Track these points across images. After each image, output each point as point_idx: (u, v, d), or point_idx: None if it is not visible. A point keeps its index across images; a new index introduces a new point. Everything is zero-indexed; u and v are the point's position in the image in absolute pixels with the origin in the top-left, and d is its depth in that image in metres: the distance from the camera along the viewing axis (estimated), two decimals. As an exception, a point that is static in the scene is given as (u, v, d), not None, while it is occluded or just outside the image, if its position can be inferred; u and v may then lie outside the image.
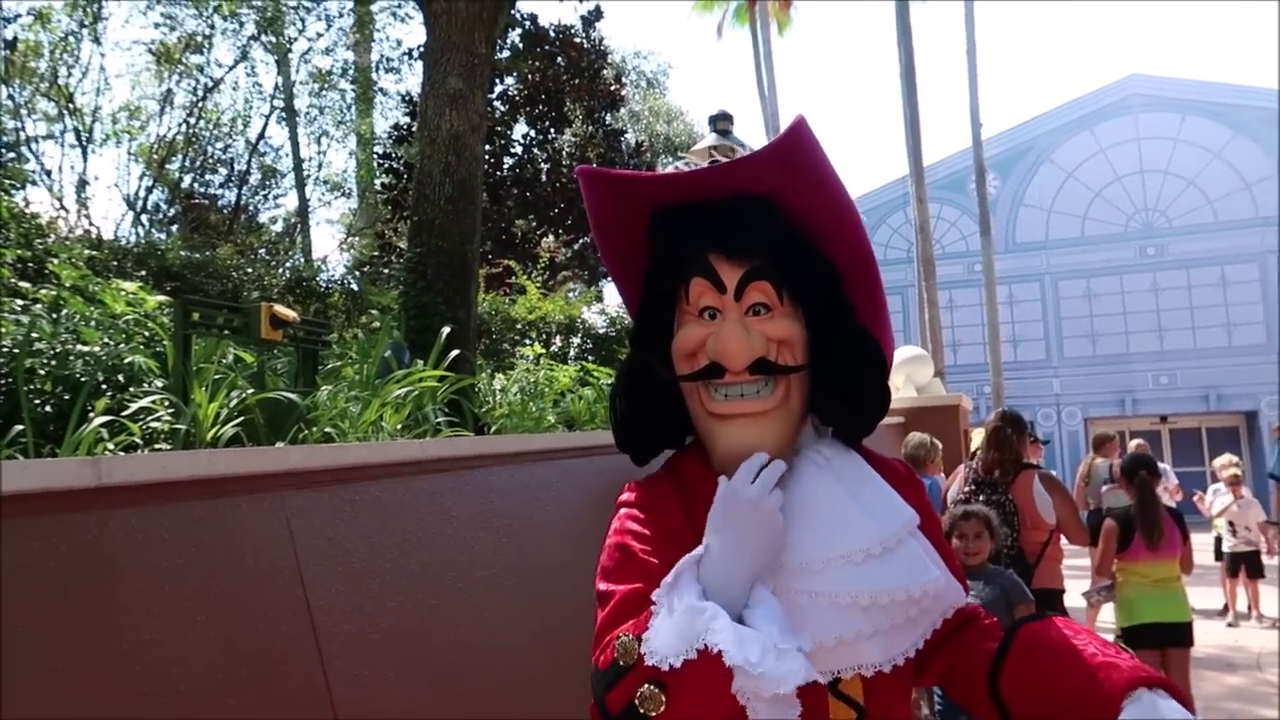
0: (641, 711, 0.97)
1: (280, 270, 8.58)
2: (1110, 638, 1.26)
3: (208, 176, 16.39)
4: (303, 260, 13.52)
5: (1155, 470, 4.71)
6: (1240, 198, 22.14)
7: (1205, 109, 22.53)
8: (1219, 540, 8.66)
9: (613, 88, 14.44)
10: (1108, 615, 5.05)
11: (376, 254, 12.96)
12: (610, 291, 22.20)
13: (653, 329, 1.27)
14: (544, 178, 14.07)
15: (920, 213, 15.92)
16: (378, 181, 14.69)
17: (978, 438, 5.02)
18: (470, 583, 2.40)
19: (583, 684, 2.84)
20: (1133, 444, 9.47)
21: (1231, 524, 8.43)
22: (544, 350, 7.06)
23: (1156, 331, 22.02)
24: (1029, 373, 22.58)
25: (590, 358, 7.66)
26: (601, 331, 8.61)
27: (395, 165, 13.69)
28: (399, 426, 3.13)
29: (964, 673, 1.23)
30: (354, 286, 7.93)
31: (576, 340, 8.36)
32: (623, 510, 1.26)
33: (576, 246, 14.59)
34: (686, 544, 1.12)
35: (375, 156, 15.08)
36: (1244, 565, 8.33)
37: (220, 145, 16.51)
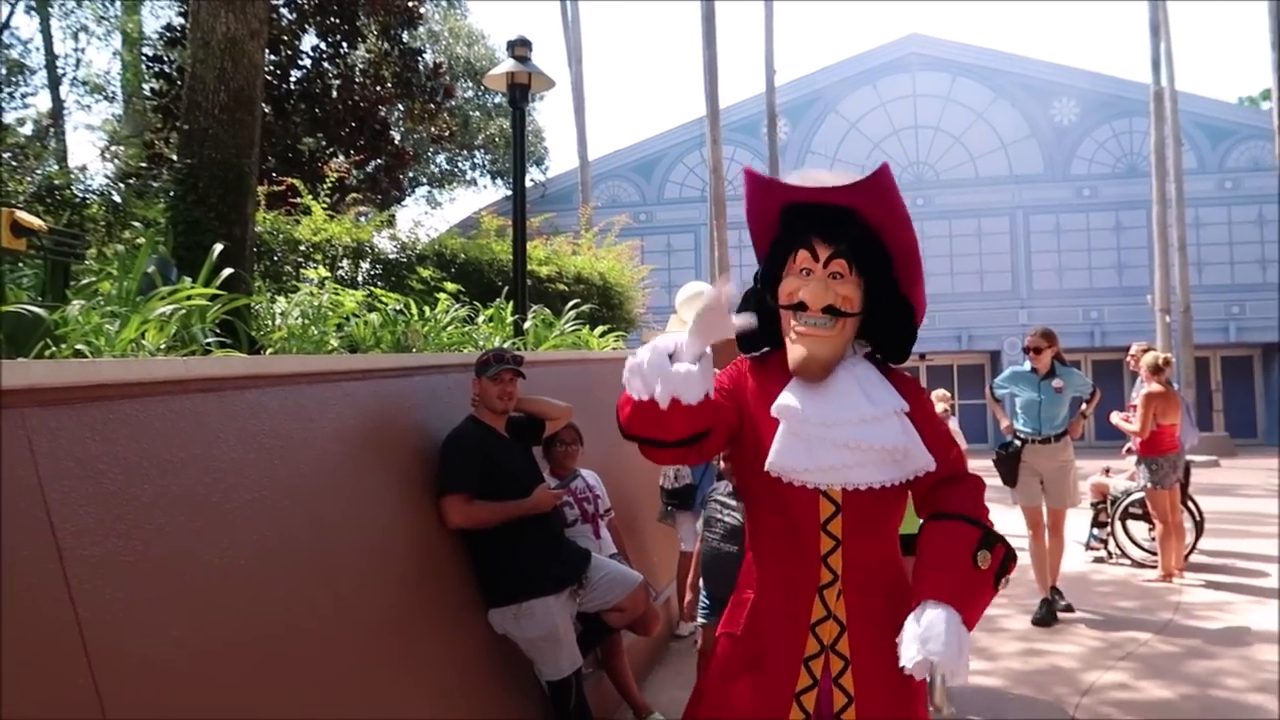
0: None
1: (28, 177, 7.73)
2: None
3: (-65, 65, 14.40)
4: (56, 167, 12.20)
5: None
6: (997, 156, 24.25)
7: (973, 71, 24.37)
8: None
9: (410, 4, 13.77)
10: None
11: (144, 165, 11.88)
12: (403, 216, 21.42)
13: (770, 276, 2.00)
14: (334, 94, 13.33)
15: (714, 154, 16.40)
16: (146, 87, 13.42)
17: None
18: (238, 505, 2.35)
19: (359, 599, 2.87)
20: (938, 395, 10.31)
21: None
22: (329, 274, 6.80)
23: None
24: (809, 312, 23.94)
25: (380, 283, 7.45)
26: (392, 257, 8.37)
27: (167, 70, 12.53)
28: (162, 346, 2.97)
29: (929, 506, 1.99)
30: (116, 198, 7.28)
31: (366, 265, 8.09)
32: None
33: (369, 169, 13.99)
34: (742, 398, 2.01)
35: (144, 59, 13.73)
36: None
37: (-49, 30, 14.50)
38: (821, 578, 1.92)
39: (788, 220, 1.97)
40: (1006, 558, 1.85)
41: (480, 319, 6.05)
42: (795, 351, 1.92)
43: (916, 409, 1.99)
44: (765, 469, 1.89)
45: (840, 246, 1.90)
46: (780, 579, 1.96)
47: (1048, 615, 5.91)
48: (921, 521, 1.98)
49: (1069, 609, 6.08)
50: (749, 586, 2.03)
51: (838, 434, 1.87)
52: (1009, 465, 6.33)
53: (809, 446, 1.88)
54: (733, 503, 3.77)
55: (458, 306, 5.81)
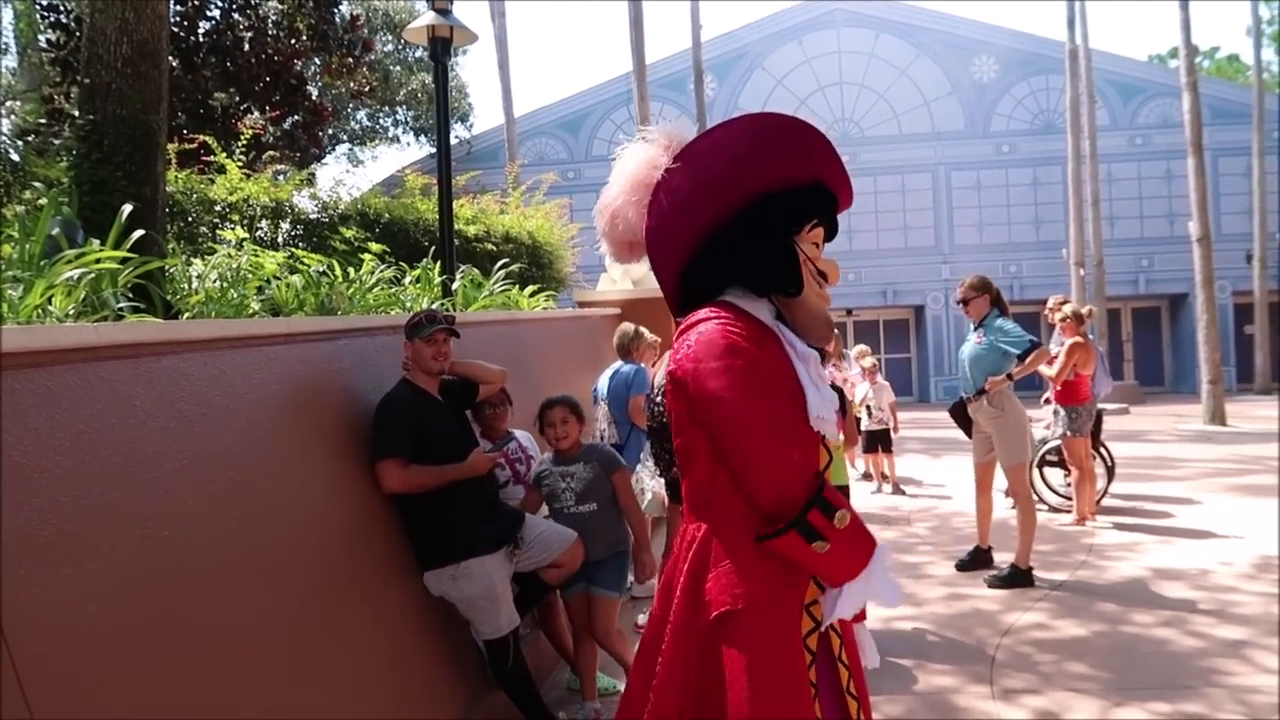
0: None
1: (-85, 134, 7.28)
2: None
3: None
4: (-54, 124, 11.51)
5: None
6: (920, 114, 24.57)
7: (897, 28, 24.57)
8: (858, 421, 9.63)
9: (324, -48, 13.25)
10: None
11: (43, 121, 11.28)
12: (323, 174, 20.78)
13: (778, 234, 1.86)
14: (246, 47, 12.79)
15: (642, 110, 16.26)
16: (42, 38, 12.68)
17: None
18: (158, 475, 2.27)
19: (288, 567, 2.81)
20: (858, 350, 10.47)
21: (868, 406, 9.57)
22: (248, 235, 6.58)
23: (847, 233, 24.20)
24: (738, 269, 24.06)
25: (301, 244, 7.23)
26: (313, 217, 8.12)
27: (64, 20, 11.85)
28: (71, 312, 2.83)
29: None
30: (14, 157, 6.91)
31: (285, 225, 7.84)
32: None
33: (286, 125, 13.53)
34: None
35: (38, 8, 12.96)
36: (879, 442, 9.58)
37: None
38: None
39: (808, 189, 1.86)
40: (825, 509, 1.67)
41: (407, 280, 5.93)
42: (824, 314, 1.89)
43: None
44: (810, 422, 1.78)
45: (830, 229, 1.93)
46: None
47: (972, 562, 6.05)
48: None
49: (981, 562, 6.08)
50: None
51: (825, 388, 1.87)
52: (961, 419, 5.99)
53: (823, 398, 1.82)
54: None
55: (383, 267, 5.69)
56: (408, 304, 5.43)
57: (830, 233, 1.92)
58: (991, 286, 5.85)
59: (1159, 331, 25.05)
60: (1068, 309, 7.61)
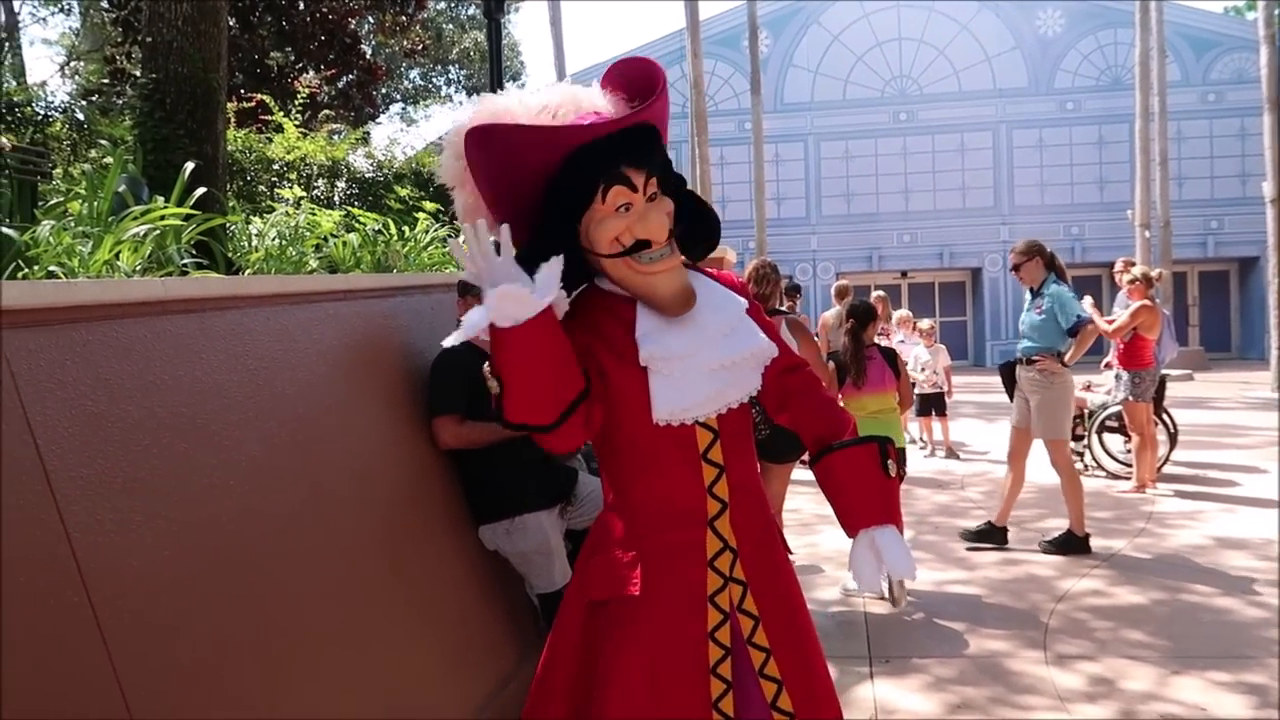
0: None
1: (-15, 94, 7.47)
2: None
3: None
4: (14, 84, 11.79)
5: (865, 320, 5.14)
6: (981, 70, 23.88)
7: (958, -20, 23.82)
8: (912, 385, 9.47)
9: (378, -91, 13.24)
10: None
11: (106, 81, 11.49)
12: (378, 133, 21.01)
13: (562, 231, 1.75)
14: (302, 6, 12.88)
15: (695, 68, 16.04)
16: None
17: None
18: (224, 426, 2.33)
19: (348, 518, 2.87)
20: (874, 295, 10.37)
21: (923, 369, 9.43)
22: (305, 194, 6.66)
23: (903, 193, 23.77)
24: (790, 229, 23.84)
25: (357, 203, 7.31)
26: (368, 176, 8.20)
27: (124, -21, 12.01)
28: (138, 267, 2.90)
29: (797, 425, 1.98)
30: (80, 116, 7.06)
31: (341, 184, 7.92)
32: None
33: (341, 84, 13.62)
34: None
35: (99, -32, 13.17)
36: (933, 406, 9.46)
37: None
38: (710, 509, 1.84)
39: (580, 164, 1.71)
40: (896, 453, 1.88)
41: (460, 239, 5.96)
42: (661, 290, 1.77)
43: (743, 298, 1.95)
44: (655, 422, 1.77)
45: (652, 168, 1.75)
46: (663, 523, 1.85)
47: (978, 535, 5.74)
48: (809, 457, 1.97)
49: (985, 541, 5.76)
50: (618, 546, 1.87)
51: (705, 358, 1.78)
52: (1008, 379, 5.76)
53: (683, 384, 1.77)
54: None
55: (437, 226, 5.72)
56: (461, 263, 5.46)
57: (621, 180, 1.71)
58: (1045, 250, 5.60)
59: (1227, 296, 24.28)
60: (1136, 271, 7.40)
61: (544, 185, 1.75)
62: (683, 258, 1.84)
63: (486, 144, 1.69)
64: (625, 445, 1.86)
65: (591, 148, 1.69)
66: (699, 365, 1.78)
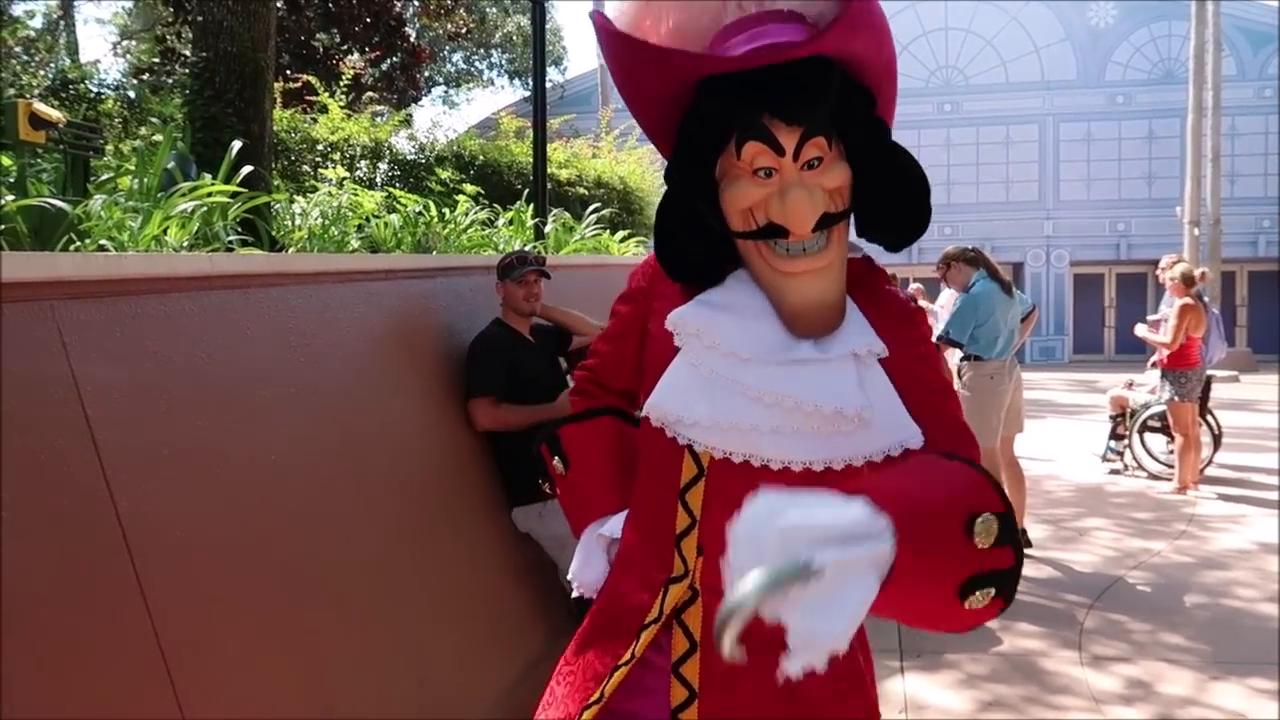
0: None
1: (41, 71, 7.62)
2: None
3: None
4: (69, 62, 12.01)
5: None
6: (1029, 61, 23.47)
7: (1008, -30, 23.41)
8: None
9: (425, -109, 13.27)
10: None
11: (157, 60, 11.67)
12: (420, 116, 21.15)
13: (692, 178, 1.28)
14: (347, -13, 12.94)
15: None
16: (154, -23, 13.06)
17: None
18: (268, 401, 2.36)
19: (385, 494, 2.90)
20: (912, 287, 10.26)
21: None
22: (348, 174, 6.72)
23: (946, 185, 23.45)
24: (831, 220, 23.56)
25: (399, 184, 7.36)
26: (410, 158, 8.25)
27: (175, -41, 12.15)
28: (185, 243, 2.95)
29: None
30: (131, 94, 7.17)
31: (384, 166, 7.98)
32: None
33: (385, 67, 13.69)
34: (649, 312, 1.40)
35: (150, -52, 13.35)
36: None
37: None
38: (674, 567, 1.33)
39: (713, 97, 1.22)
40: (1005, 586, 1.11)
41: (500, 222, 5.99)
42: (792, 299, 1.24)
43: (902, 349, 1.28)
44: (644, 413, 1.33)
45: (813, 124, 1.19)
46: (631, 562, 1.43)
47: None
48: None
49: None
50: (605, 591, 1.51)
51: (748, 374, 1.23)
52: None
53: (711, 388, 1.25)
54: None
55: (477, 209, 5.75)
56: (500, 245, 5.48)
57: (761, 135, 1.18)
58: (964, 253, 5.43)
59: (1276, 296, 23.71)
60: (1178, 270, 7.25)
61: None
62: (848, 255, 1.29)
63: (609, 54, 1.30)
64: (641, 436, 1.42)
65: (723, 79, 1.20)
66: (731, 372, 1.24)
